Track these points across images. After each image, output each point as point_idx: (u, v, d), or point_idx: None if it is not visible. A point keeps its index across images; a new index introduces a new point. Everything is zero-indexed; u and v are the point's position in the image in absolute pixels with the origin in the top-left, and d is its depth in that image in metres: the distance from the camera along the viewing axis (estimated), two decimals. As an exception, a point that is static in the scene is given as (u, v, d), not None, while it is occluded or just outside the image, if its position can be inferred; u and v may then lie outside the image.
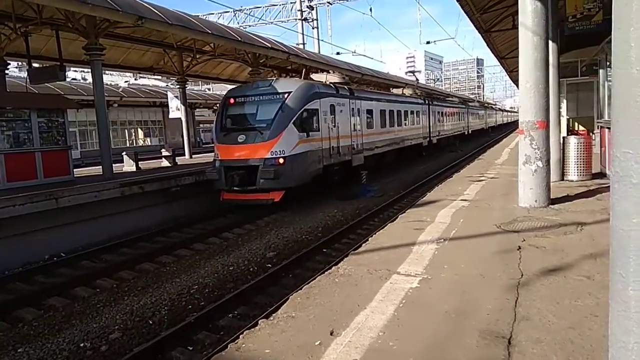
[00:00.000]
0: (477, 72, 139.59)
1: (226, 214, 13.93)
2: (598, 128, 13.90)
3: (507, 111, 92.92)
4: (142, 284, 8.10)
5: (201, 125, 52.01)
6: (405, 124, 23.77)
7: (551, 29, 9.72)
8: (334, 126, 15.18)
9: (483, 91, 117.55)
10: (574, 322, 3.59)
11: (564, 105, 17.34)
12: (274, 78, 16.45)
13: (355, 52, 38.09)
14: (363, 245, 6.68)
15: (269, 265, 8.85)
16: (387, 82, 31.88)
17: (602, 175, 10.55)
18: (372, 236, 7.42)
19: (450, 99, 42.08)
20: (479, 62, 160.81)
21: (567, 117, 18.30)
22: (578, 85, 18.17)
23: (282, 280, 7.94)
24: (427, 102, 28.75)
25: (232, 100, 13.82)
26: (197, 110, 44.58)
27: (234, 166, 12.78)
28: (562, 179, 10.37)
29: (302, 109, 13.36)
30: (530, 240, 5.85)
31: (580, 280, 4.39)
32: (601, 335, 3.24)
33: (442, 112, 32.11)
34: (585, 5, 13.18)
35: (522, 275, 4.64)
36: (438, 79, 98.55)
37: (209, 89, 55.17)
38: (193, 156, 21.88)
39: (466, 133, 40.59)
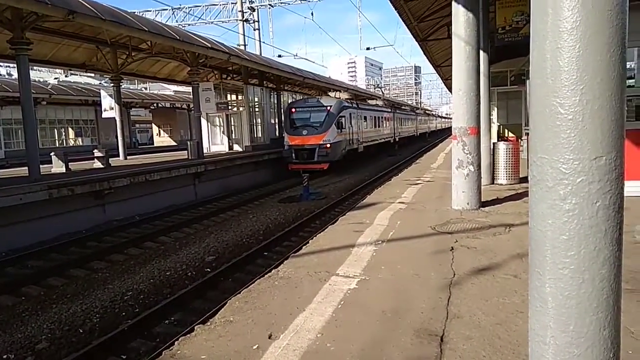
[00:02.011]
0: (415, 79, 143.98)
1: (164, 217, 13.58)
2: (525, 135, 14.71)
3: (444, 117, 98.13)
4: (72, 291, 7.71)
5: (137, 125, 50.28)
6: (383, 127, 34.09)
7: (482, 40, 10.21)
8: (351, 126, 24.82)
9: (420, 98, 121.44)
10: (501, 318, 3.78)
11: (494, 112, 18.20)
12: (320, 97, 27.70)
13: (297, 55, 38.25)
14: (303, 247, 6.70)
15: (208, 269, 8.69)
16: (359, 93, 41.13)
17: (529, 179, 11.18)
18: (312, 239, 7.46)
19: (404, 107, 54.35)
20: (417, 69, 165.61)
21: (498, 124, 19.23)
22: (508, 94, 19.14)
23: (221, 285, 7.83)
24: (392, 110, 38.88)
25: (293, 110, 23.10)
26: (133, 109, 43.01)
27: (300, 148, 21.99)
28: (493, 183, 10.88)
29: (338, 116, 22.76)
30: (463, 241, 6.11)
31: (507, 279, 4.63)
32: (526, 330, 3.41)
33: (401, 118, 42.48)
34: (514, 18, 13.95)
35: (454, 274, 4.83)
36: (378, 85, 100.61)
37: (145, 88, 53.37)
38: (128, 157, 21.11)
39: (416, 135, 50.86)
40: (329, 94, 31.32)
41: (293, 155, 22.22)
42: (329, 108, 22.68)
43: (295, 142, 22.21)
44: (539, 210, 1.80)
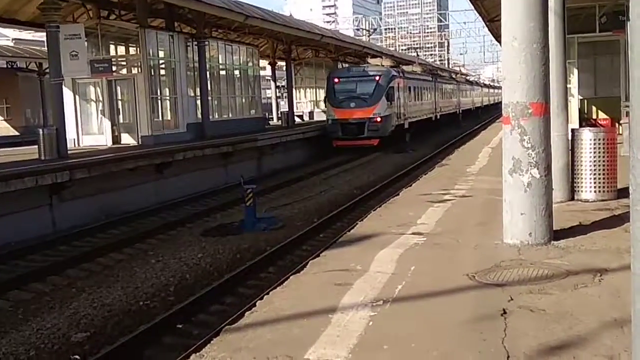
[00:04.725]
0: (439, 20, 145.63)
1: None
2: (627, 116, 15.01)
3: (491, 87, 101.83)
4: None
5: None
6: (426, 100, 48.29)
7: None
8: (399, 99, 36.84)
9: (448, 52, 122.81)
10: None
11: (574, 78, 18.52)
12: (366, 65, 40.77)
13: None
14: (247, 314, 6.68)
15: (77, 357, 8.58)
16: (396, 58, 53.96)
17: (633, 191, 11.37)
18: (263, 298, 7.45)
19: (443, 74, 68.75)
20: (441, 3, 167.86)
21: (580, 97, 19.59)
22: (596, 45, 19.50)
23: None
24: (433, 79, 52.38)
25: (337, 80, 35.30)
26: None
27: (347, 122, 33.25)
28: (572, 198, 11.05)
29: (388, 87, 34.50)
30: (522, 300, 6.17)
31: (598, 363, 4.72)
32: None
33: (442, 89, 55.99)
34: None
35: (508, 357, 4.89)
36: (375, 29, 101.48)
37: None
38: None
39: (457, 112, 64.32)
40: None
41: (340, 130, 33.81)
42: (377, 78, 34.85)
43: (342, 115, 33.81)
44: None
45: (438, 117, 52.08)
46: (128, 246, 14.78)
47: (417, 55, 74.33)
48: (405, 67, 47.95)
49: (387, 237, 9.44)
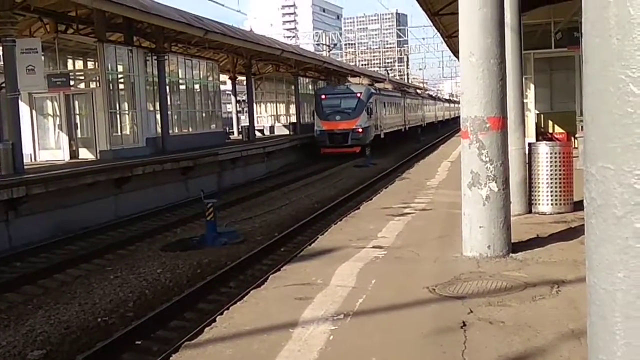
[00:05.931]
0: (398, 36, 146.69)
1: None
2: (582, 130, 15.20)
3: (451, 101, 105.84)
4: None
5: None
6: (397, 113, 57.54)
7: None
8: (376, 113, 46.60)
9: (408, 68, 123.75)
10: None
11: (530, 93, 18.73)
12: (348, 83, 51.67)
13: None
14: (207, 329, 6.63)
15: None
16: (371, 77, 62.96)
17: (589, 204, 11.52)
18: (223, 314, 7.39)
19: (410, 90, 78.04)
20: (401, 19, 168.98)
21: (536, 112, 19.81)
22: (551, 61, 19.73)
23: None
24: (402, 95, 61.74)
25: (323, 96, 45.08)
26: None
27: (333, 133, 42.38)
28: (530, 211, 11.19)
29: (368, 102, 44.25)
30: (481, 312, 6.21)
31: (556, 374, 4.75)
32: None
33: (410, 104, 65.56)
34: None
35: (468, 370, 4.91)
36: (335, 45, 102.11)
37: None
38: None
39: (422, 125, 72.71)
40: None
41: (327, 139, 41.42)
42: (359, 95, 43.09)
43: (329, 127, 41.62)
44: (603, 255, 1.83)
45: (407, 128, 61.30)
46: (86, 262, 14.66)
47: (387, 72, 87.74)
48: (377, 85, 55.97)
49: (348, 250, 9.44)
